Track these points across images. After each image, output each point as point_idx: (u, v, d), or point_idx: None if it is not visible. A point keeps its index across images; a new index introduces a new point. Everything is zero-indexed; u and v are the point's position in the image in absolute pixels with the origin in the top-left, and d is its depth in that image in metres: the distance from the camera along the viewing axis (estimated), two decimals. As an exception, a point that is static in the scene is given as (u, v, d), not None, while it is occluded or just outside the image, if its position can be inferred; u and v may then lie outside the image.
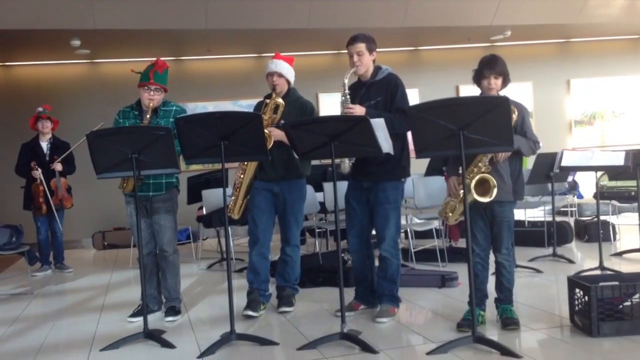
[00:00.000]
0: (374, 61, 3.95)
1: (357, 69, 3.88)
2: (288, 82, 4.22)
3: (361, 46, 3.85)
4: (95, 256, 8.19)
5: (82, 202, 8.02)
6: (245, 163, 4.14)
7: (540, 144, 3.60)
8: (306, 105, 4.23)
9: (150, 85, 4.09)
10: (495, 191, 3.36)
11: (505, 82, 3.54)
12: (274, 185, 4.18)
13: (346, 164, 3.82)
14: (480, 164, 3.45)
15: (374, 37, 3.93)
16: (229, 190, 4.41)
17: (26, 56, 8.75)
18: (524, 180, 3.68)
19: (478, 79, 3.56)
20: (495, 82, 3.50)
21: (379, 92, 3.88)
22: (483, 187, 3.40)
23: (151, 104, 4.07)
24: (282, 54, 4.29)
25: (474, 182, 3.40)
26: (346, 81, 3.84)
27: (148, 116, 4.07)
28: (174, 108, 4.23)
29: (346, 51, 3.95)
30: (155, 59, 4.22)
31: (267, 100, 4.12)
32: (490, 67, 3.49)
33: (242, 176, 4.18)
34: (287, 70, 4.19)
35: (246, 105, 8.70)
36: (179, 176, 4.31)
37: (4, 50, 8.43)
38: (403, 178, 3.97)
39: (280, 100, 4.09)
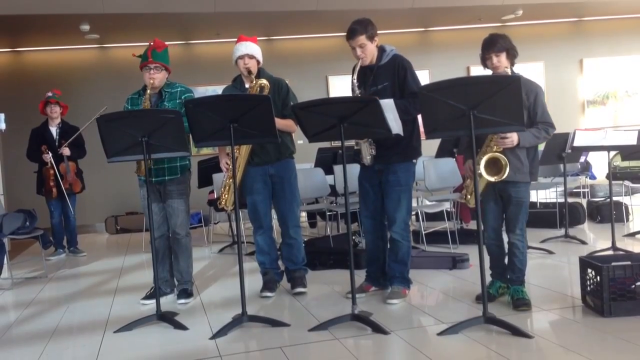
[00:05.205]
0: (376, 45, 3.88)
1: (363, 61, 3.84)
2: (258, 62, 4.17)
3: (362, 38, 3.78)
4: (108, 240, 8.26)
5: (95, 187, 8.08)
6: (238, 152, 4.05)
7: (553, 129, 3.52)
8: (281, 83, 4.20)
9: (149, 64, 4.09)
10: (507, 170, 3.33)
11: (510, 55, 3.52)
12: (269, 167, 4.18)
13: (367, 158, 3.81)
14: (491, 143, 3.42)
15: (371, 20, 3.83)
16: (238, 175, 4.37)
17: (35, 41, 8.77)
18: (538, 160, 3.66)
19: (484, 62, 3.60)
20: (499, 59, 3.50)
21: (386, 77, 3.83)
22: (495, 166, 3.38)
23: (152, 83, 4.07)
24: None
25: (483, 161, 3.37)
26: (355, 80, 3.79)
27: (148, 93, 4.06)
28: (179, 89, 4.21)
29: None
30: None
31: (251, 84, 4.04)
32: (488, 47, 3.52)
33: (228, 172, 4.06)
34: (257, 51, 4.14)
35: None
36: (190, 159, 4.34)
37: (14, 36, 8.45)
38: (414, 159, 3.96)
39: (264, 81, 4.03)
